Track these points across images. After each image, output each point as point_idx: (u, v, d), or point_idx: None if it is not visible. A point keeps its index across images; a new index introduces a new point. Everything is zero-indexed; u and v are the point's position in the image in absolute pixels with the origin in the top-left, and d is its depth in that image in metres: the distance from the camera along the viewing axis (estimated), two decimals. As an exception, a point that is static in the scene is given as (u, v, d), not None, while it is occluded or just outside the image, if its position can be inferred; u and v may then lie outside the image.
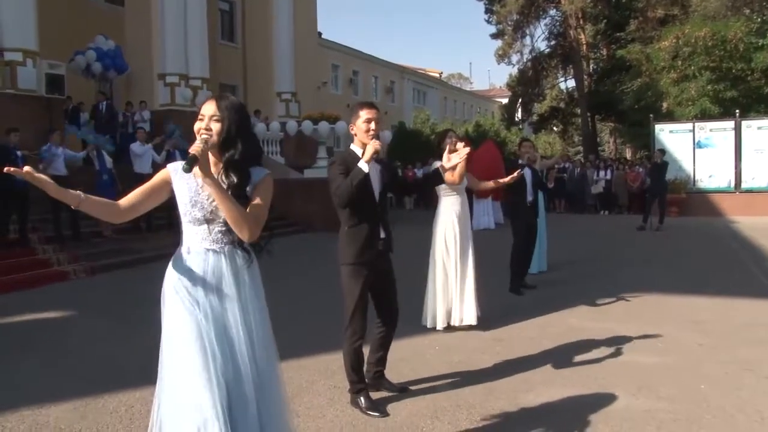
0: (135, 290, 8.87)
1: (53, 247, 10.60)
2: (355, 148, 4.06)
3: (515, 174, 6.26)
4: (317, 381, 4.77)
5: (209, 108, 2.58)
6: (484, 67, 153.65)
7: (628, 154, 38.12)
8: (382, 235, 4.14)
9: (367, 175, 3.90)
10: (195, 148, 2.41)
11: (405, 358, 5.18)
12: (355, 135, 4.05)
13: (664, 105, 25.20)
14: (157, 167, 12.40)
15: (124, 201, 2.61)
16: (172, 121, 15.97)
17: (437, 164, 5.86)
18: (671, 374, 4.77)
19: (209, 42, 19.84)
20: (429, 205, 21.91)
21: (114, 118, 16.54)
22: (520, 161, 7.86)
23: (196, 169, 2.41)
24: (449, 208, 6.14)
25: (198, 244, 2.61)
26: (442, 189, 6.09)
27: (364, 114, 3.99)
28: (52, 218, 11.05)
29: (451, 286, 6.07)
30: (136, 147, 12.96)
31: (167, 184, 2.60)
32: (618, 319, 6.49)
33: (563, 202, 22.20)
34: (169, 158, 12.67)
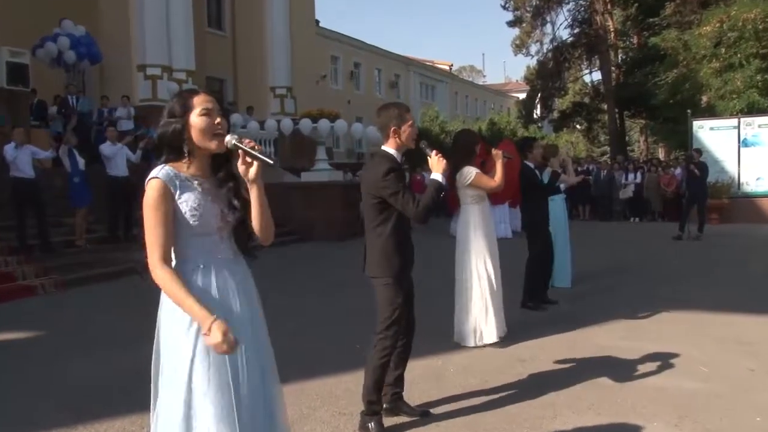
0: (113, 306, 8.85)
1: (18, 259, 10.56)
2: (393, 151, 4.24)
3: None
4: (320, 407, 4.75)
5: (211, 101, 2.63)
6: (499, 59, 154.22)
7: (661, 155, 38.06)
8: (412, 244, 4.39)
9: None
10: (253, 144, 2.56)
11: (417, 380, 5.17)
12: (396, 137, 4.23)
13: (704, 99, 24.91)
14: (134, 169, 12.39)
15: (169, 256, 2.56)
16: (152, 121, 15.99)
17: (472, 171, 5.98)
18: (719, 403, 4.69)
19: (195, 29, 19.90)
20: (441, 212, 21.92)
21: (89, 115, 16.53)
22: (548, 168, 7.99)
23: (189, 175, 2.52)
24: (478, 216, 6.22)
25: (203, 257, 2.62)
26: (469, 195, 6.21)
27: (410, 117, 4.28)
28: (17, 225, 10.97)
29: (496, 298, 6.23)
30: (106, 148, 12.61)
31: (171, 199, 2.55)
32: (653, 338, 6.45)
33: (588, 209, 22.15)
34: (145, 157, 12.65)
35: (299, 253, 13.79)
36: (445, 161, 4.11)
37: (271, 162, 2.59)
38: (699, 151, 16.05)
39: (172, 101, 2.64)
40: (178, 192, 2.53)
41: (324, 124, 17.37)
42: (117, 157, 12.58)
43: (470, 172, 6.07)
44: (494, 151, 6.11)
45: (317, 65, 31.14)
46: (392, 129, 4.20)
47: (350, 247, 13.58)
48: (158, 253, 2.46)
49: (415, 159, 26.83)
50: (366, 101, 38.27)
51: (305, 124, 17.49)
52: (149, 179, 2.52)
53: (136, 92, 18.05)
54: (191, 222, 2.55)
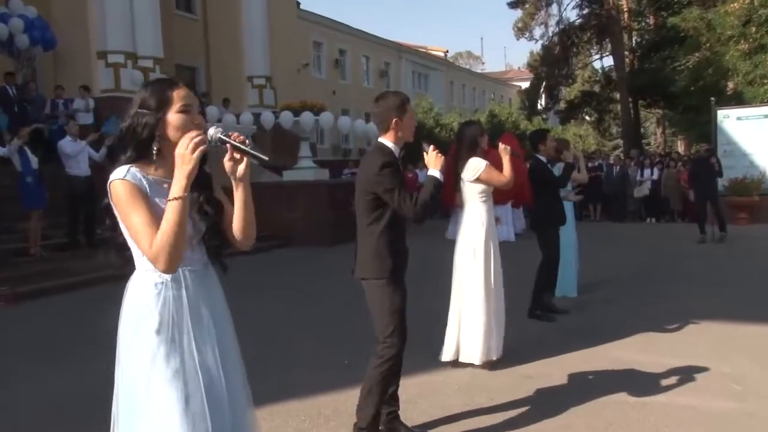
0: (72, 321, 8.77)
1: (-40, 270, 10.43)
2: (390, 144, 4.29)
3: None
4: (308, 430, 4.71)
5: (191, 96, 2.63)
6: (498, 44, 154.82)
7: (681, 148, 38.11)
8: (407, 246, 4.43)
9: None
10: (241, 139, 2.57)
11: (416, 399, 5.14)
12: (397, 130, 4.28)
13: (730, 85, 24.89)
14: (97, 167, 12.27)
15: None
16: (115, 114, 15.84)
17: (481, 164, 5.95)
18: (756, 425, 4.66)
19: (162, 12, 19.80)
20: (436, 213, 21.89)
21: (41, 107, 16.24)
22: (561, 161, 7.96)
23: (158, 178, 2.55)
24: (483, 217, 6.16)
25: (185, 265, 2.62)
26: (477, 192, 6.14)
27: (410, 109, 4.35)
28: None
29: (497, 311, 6.14)
30: (66, 145, 12.48)
31: (146, 197, 2.53)
32: (677, 352, 6.42)
33: (599, 208, 22.18)
34: (111, 156, 12.54)
35: (281, 260, 13.73)
36: (443, 157, 4.16)
37: (266, 158, 2.59)
38: (710, 149, 16.02)
39: (146, 91, 2.60)
40: (149, 195, 2.51)
41: (307, 117, 17.32)
42: (79, 154, 12.49)
43: (479, 165, 6.00)
44: (501, 146, 6.10)
45: (299, 52, 31.10)
46: (394, 121, 4.24)
47: (338, 252, 13.51)
48: (148, 244, 2.43)
49: (409, 154, 26.85)
50: (353, 92, 38.29)
51: (286, 118, 17.44)
52: (112, 181, 2.49)
53: (96, 82, 17.86)
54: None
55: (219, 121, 18.81)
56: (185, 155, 2.42)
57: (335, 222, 15.34)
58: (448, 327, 6.21)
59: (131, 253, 2.61)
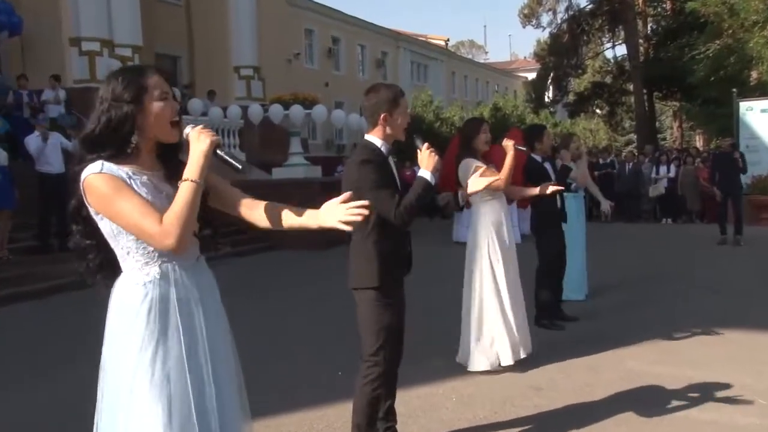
0: (44, 331, 8.74)
1: None
2: (377, 140, 4.23)
3: (552, 187, 6.67)
4: (296, 447, 4.69)
5: (165, 83, 2.65)
6: (503, 32, 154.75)
7: (700, 143, 38.10)
8: (409, 248, 4.38)
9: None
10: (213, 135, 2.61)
11: (414, 413, 5.14)
12: (385, 126, 4.20)
13: (754, 74, 24.72)
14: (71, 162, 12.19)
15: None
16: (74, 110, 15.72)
17: (471, 165, 5.95)
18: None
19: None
20: (438, 213, 21.84)
21: (4, 97, 16.07)
22: (559, 161, 7.94)
23: (136, 171, 2.58)
24: (489, 217, 6.22)
25: (159, 264, 2.64)
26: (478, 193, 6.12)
27: (403, 104, 4.26)
28: None
29: (516, 311, 6.24)
30: (31, 141, 12.43)
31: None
32: (695, 363, 6.42)
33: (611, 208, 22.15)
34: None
35: (270, 264, 13.73)
36: (436, 157, 4.09)
37: (239, 167, 2.65)
38: (733, 145, 15.96)
39: (116, 81, 2.59)
40: (131, 183, 2.54)
41: (298, 110, 17.31)
42: (48, 150, 12.42)
43: (470, 168, 6.02)
44: (505, 142, 6.07)
45: (289, 41, 31.10)
46: (382, 116, 4.19)
47: (331, 256, 13.48)
48: (152, 222, 2.46)
49: (406, 150, 26.92)
50: (347, 83, 38.25)
51: (276, 111, 17.42)
52: (86, 177, 2.49)
53: (69, 71, 17.76)
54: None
55: (204, 114, 18.80)
56: (199, 134, 2.53)
57: (328, 223, 15.33)
58: (461, 332, 6.30)
59: (102, 259, 2.62)
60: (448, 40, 58.43)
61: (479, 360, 6.17)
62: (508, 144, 6.04)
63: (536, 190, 6.86)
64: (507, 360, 6.15)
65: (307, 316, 9.04)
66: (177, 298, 2.61)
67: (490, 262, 6.14)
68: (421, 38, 51.70)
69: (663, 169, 21.74)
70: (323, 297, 9.87)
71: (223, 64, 24.41)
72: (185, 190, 2.48)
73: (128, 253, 2.57)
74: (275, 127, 18.67)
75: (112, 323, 2.59)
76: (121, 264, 2.62)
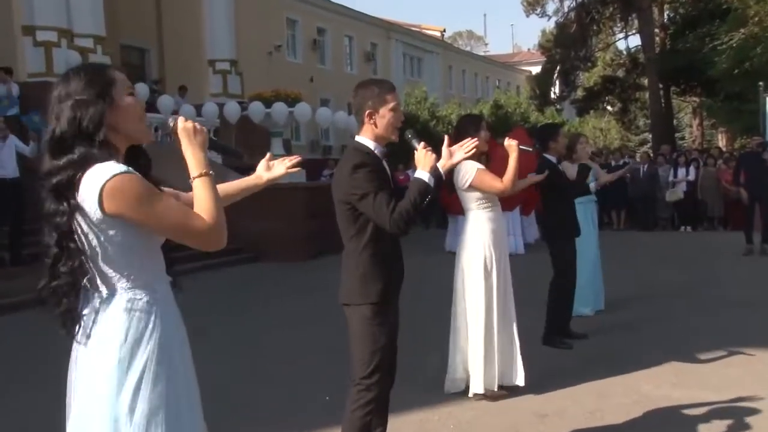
0: None
1: None
2: (368, 142, 4.25)
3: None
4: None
5: (127, 80, 2.70)
6: (504, 22, 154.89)
7: (722, 143, 38.16)
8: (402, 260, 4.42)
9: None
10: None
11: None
12: (373, 125, 4.23)
13: (783, 66, 24.77)
14: (26, 166, 12.08)
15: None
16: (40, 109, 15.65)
17: (472, 168, 5.93)
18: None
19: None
20: (438, 220, 21.89)
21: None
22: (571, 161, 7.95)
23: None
24: (486, 226, 6.17)
25: (158, 281, 2.72)
26: (473, 198, 6.15)
27: (391, 99, 4.23)
28: None
29: (502, 335, 6.15)
30: None
31: None
32: (717, 386, 6.42)
33: (623, 215, 22.25)
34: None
35: (250, 277, 13.71)
36: (434, 156, 4.09)
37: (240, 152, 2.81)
38: (764, 144, 15.97)
39: (78, 76, 2.60)
40: None
41: (280, 108, 17.33)
42: (3, 152, 12.30)
43: (470, 169, 5.99)
44: (507, 142, 6.03)
45: (270, 32, 31.11)
46: (367, 113, 4.21)
47: (318, 268, 13.51)
48: (201, 220, 2.56)
49: (401, 152, 26.91)
50: (334, 78, 38.26)
51: (256, 109, 17.44)
52: (112, 177, 2.46)
53: (22, 63, 17.61)
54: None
55: (175, 113, 18.77)
56: (190, 127, 2.64)
57: (314, 232, 15.32)
58: (449, 355, 6.26)
59: (75, 280, 2.60)
60: (444, 30, 58.47)
61: (474, 383, 6.12)
62: (511, 143, 5.95)
63: (536, 177, 6.84)
64: (486, 385, 6.06)
65: (291, 334, 9.02)
66: (171, 319, 2.68)
67: (483, 276, 6.08)
68: (414, 29, 51.77)
69: (681, 171, 21.70)
70: (309, 313, 9.86)
71: (196, 57, 24.39)
72: (207, 184, 2.60)
73: (123, 274, 2.58)
74: (255, 127, 18.67)
75: (95, 353, 2.58)
76: (112, 286, 2.61)
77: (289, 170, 3.64)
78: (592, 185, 8.64)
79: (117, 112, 2.57)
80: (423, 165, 4.05)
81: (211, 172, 2.61)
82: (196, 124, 2.69)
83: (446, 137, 4.29)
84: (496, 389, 6.10)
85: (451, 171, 5.67)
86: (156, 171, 2.78)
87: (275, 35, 33.13)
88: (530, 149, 6.57)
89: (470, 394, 6.10)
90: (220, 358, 7.37)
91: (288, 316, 10.18)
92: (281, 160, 3.64)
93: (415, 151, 4.10)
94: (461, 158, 4.22)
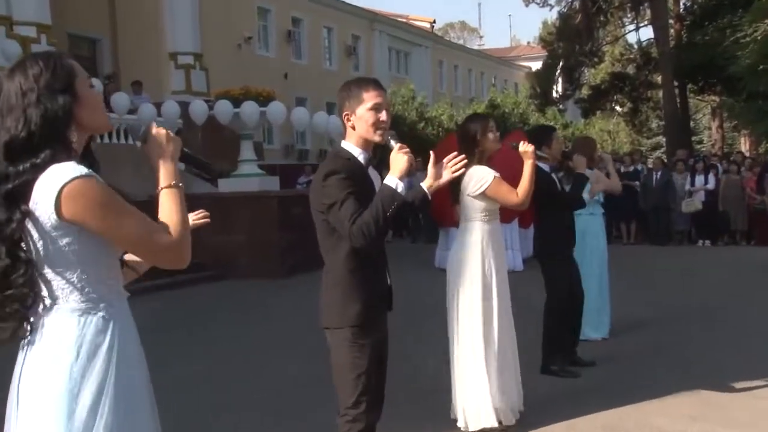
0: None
1: None
2: (351, 147, 4.29)
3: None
4: None
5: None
6: (501, 12, 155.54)
7: (745, 147, 38.27)
8: (389, 281, 4.44)
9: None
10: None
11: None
12: (352, 127, 4.26)
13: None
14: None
15: None
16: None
17: (488, 175, 5.89)
18: None
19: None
20: (427, 233, 21.91)
21: None
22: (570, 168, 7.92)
23: None
24: (487, 239, 6.18)
25: (113, 297, 2.71)
26: (479, 209, 6.15)
27: (369, 97, 4.21)
28: None
29: (501, 363, 6.15)
30: None
31: None
32: (743, 421, 6.41)
33: (634, 228, 22.30)
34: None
35: (216, 297, 13.67)
36: (407, 159, 4.04)
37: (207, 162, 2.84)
38: None
39: (38, 67, 2.58)
40: None
41: (250, 108, 17.28)
42: None
43: (486, 176, 5.97)
44: (523, 147, 6.01)
45: (239, 22, 31.13)
46: (344, 114, 4.25)
47: (292, 288, 13.48)
48: (166, 235, 2.59)
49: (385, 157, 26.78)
50: (311, 75, 38.28)
51: (223, 109, 17.38)
52: (70, 182, 2.45)
53: (-48, 53, 17.64)
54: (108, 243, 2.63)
55: (132, 112, 18.73)
56: (163, 135, 2.68)
57: (288, 246, 15.33)
58: (453, 386, 6.27)
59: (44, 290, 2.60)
60: (434, 22, 58.72)
61: (472, 417, 6.12)
62: (527, 149, 5.95)
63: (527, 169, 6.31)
64: (490, 420, 6.06)
65: (263, 360, 9.00)
66: (128, 342, 2.68)
67: (482, 296, 6.06)
68: (401, 20, 51.98)
69: (699, 179, 21.74)
70: (284, 337, 9.85)
71: (154, 49, 24.37)
72: (175, 197, 2.64)
73: (77, 286, 2.57)
74: (222, 129, 18.65)
75: (43, 371, 2.56)
76: (66, 298, 2.60)
77: (195, 224, 3.52)
78: (586, 196, 8.50)
79: (81, 106, 2.58)
80: (394, 169, 4.03)
81: (180, 184, 2.64)
82: (170, 132, 2.72)
83: (431, 153, 4.29)
84: (496, 424, 6.07)
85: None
86: (111, 174, 2.78)
87: (245, 25, 33.17)
88: (545, 155, 6.47)
89: (479, 427, 6.08)
90: (180, 389, 7.33)
91: (257, 340, 10.14)
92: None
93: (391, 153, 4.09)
94: (448, 178, 4.22)
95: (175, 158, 2.71)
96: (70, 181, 2.45)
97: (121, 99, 18.74)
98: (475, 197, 6.06)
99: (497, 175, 6.02)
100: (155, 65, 24.09)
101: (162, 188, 2.63)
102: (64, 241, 2.52)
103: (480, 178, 5.96)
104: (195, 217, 3.50)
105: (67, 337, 2.56)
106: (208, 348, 9.77)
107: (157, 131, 2.70)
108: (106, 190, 2.50)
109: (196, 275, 14.85)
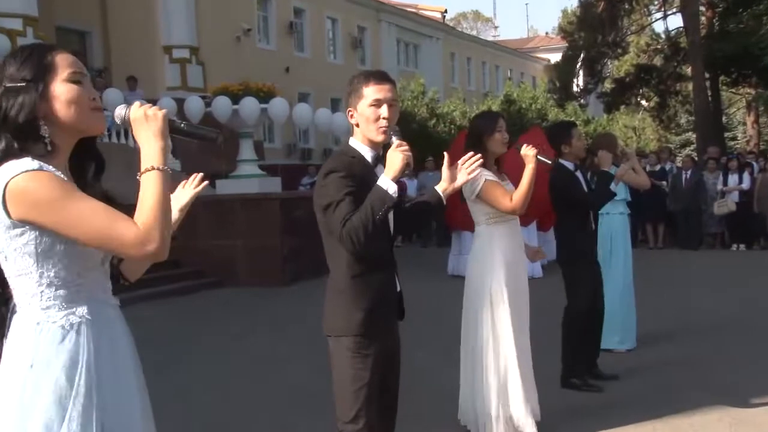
0: None
1: None
2: (358, 145, 4.32)
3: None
4: None
5: (80, 64, 2.70)
6: (517, 1, 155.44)
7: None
8: (398, 287, 4.44)
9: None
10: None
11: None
12: (357, 126, 4.28)
13: None
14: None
15: None
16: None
17: (480, 177, 5.89)
18: None
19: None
20: (440, 237, 21.93)
21: None
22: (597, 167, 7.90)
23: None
24: (498, 243, 6.18)
25: (86, 302, 2.66)
26: (483, 212, 6.18)
27: (371, 92, 4.20)
28: None
29: (518, 375, 6.14)
30: None
31: None
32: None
33: (662, 231, 22.24)
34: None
35: (214, 305, 13.67)
36: (403, 158, 4.02)
37: (214, 136, 2.79)
38: None
39: (14, 60, 2.62)
40: None
41: (250, 104, 17.29)
42: None
43: (477, 180, 5.95)
44: (525, 150, 5.98)
45: (237, 13, 31.16)
46: (348, 111, 4.29)
47: (294, 296, 13.50)
48: (128, 225, 2.47)
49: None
50: (314, 69, 38.26)
51: (221, 106, 17.38)
52: (13, 178, 2.45)
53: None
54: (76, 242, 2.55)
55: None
56: (149, 113, 2.57)
57: (291, 252, 15.33)
58: (461, 392, 6.30)
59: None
60: (445, 11, 58.70)
61: (482, 427, 6.14)
62: (528, 152, 5.90)
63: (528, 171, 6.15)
64: (529, 428, 6.08)
65: (261, 372, 9.01)
66: (111, 346, 2.67)
67: (492, 304, 6.08)
68: (410, 9, 51.92)
69: (733, 178, 21.64)
70: (283, 350, 9.84)
71: (148, 42, 24.42)
72: (153, 181, 2.51)
73: (47, 286, 2.57)
74: (220, 127, 18.59)
75: (12, 382, 2.57)
76: (26, 303, 2.60)
77: (197, 190, 3.47)
78: (618, 191, 8.34)
79: (49, 101, 2.57)
80: (388, 168, 4.03)
81: (164, 167, 2.53)
82: (153, 107, 2.63)
83: (446, 155, 4.29)
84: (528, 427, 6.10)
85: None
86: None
87: (244, 17, 33.15)
88: (549, 161, 6.36)
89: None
90: (175, 402, 7.35)
91: (257, 352, 10.14)
92: (183, 183, 3.44)
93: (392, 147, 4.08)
94: (464, 181, 4.25)
95: (161, 136, 2.59)
96: (13, 177, 2.44)
97: (113, 95, 18.75)
98: (473, 201, 6.10)
99: (490, 177, 6.02)
100: (148, 59, 24.12)
101: (141, 173, 2.54)
102: (20, 242, 2.52)
103: (473, 180, 5.81)
104: (194, 186, 3.48)
105: (23, 346, 2.57)
106: (204, 359, 9.79)
107: (133, 109, 2.62)
108: (52, 183, 2.45)
109: (193, 282, 14.87)
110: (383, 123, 4.16)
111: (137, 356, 2.82)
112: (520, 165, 5.98)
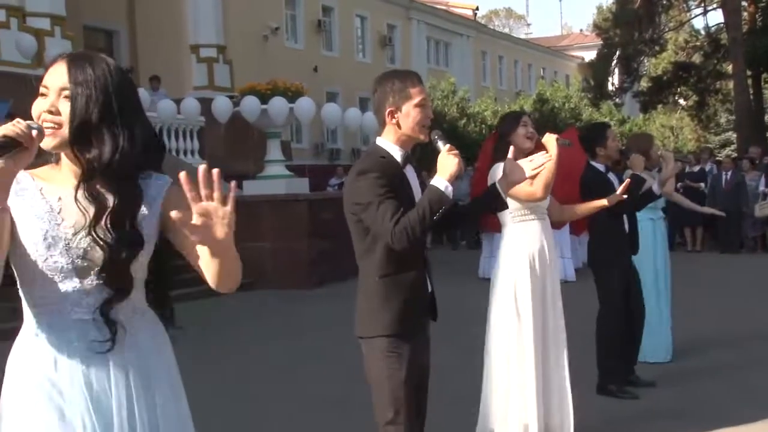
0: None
1: None
2: (388, 144, 4.33)
3: (622, 188, 6.34)
4: None
5: (58, 75, 2.61)
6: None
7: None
8: (430, 287, 4.45)
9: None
10: (11, 130, 2.34)
11: None
12: (396, 125, 4.28)
13: None
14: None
15: None
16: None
17: (497, 174, 5.85)
18: None
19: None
20: (469, 240, 21.91)
21: None
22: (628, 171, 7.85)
23: (40, 183, 2.57)
24: (526, 241, 6.14)
25: (65, 315, 2.62)
26: (510, 211, 6.10)
27: (416, 93, 4.25)
28: None
29: (543, 383, 6.08)
30: None
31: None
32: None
33: (700, 234, 22.13)
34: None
35: (242, 309, 13.65)
36: (457, 162, 4.06)
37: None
38: None
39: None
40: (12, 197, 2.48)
41: (278, 104, 17.29)
42: None
43: (493, 173, 5.92)
44: (547, 137, 5.96)
45: (265, 11, 31.24)
46: (388, 111, 4.25)
47: (323, 299, 13.51)
48: None
49: (423, 157, 26.76)
50: (343, 68, 38.30)
51: (249, 106, 17.39)
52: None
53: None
54: (35, 252, 2.53)
55: (149, 109, 18.82)
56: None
57: (319, 254, 15.35)
58: (482, 400, 6.22)
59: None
60: (476, 8, 58.59)
61: None
62: (549, 139, 5.83)
63: (603, 202, 6.65)
64: None
65: (285, 377, 9.01)
66: (85, 381, 2.63)
67: (515, 306, 6.00)
68: (441, 7, 51.88)
69: (775, 180, 21.58)
70: (314, 353, 9.87)
71: (175, 41, 24.48)
72: None
73: (23, 307, 2.64)
74: (247, 127, 18.68)
75: (28, 386, 2.60)
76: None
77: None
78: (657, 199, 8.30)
79: None
80: (443, 171, 4.03)
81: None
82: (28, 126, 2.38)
83: (511, 149, 4.37)
84: None
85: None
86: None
87: (271, 15, 33.27)
88: (568, 142, 6.36)
89: None
90: (201, 408, 7.37)
91: (285, 357, 10.16)
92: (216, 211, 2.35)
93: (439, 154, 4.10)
94: (526, 176, 4.30)
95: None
96: None
97: (140, 95, 18.82)
98: None
99: (505, 173, 5.96)
100: (176, 59, 24.18)
101: None
102: (12, 255, 2.56)
103: (492, 173, 5.89)
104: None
105: (19, 357, 2.64)
106: (230, 362, 9.83)
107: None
108: None
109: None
110: (428, 123, 4.24)
111: (150, 371, 2.81)
112: (563, 165, 5.96)
